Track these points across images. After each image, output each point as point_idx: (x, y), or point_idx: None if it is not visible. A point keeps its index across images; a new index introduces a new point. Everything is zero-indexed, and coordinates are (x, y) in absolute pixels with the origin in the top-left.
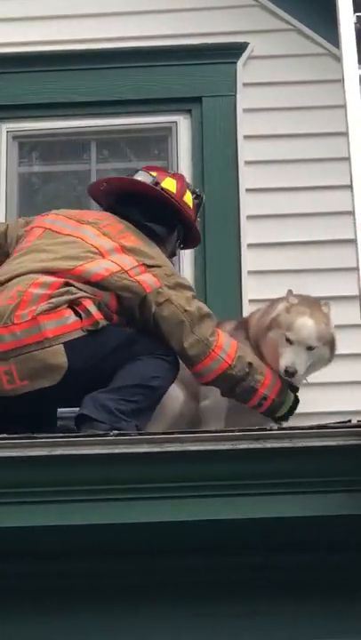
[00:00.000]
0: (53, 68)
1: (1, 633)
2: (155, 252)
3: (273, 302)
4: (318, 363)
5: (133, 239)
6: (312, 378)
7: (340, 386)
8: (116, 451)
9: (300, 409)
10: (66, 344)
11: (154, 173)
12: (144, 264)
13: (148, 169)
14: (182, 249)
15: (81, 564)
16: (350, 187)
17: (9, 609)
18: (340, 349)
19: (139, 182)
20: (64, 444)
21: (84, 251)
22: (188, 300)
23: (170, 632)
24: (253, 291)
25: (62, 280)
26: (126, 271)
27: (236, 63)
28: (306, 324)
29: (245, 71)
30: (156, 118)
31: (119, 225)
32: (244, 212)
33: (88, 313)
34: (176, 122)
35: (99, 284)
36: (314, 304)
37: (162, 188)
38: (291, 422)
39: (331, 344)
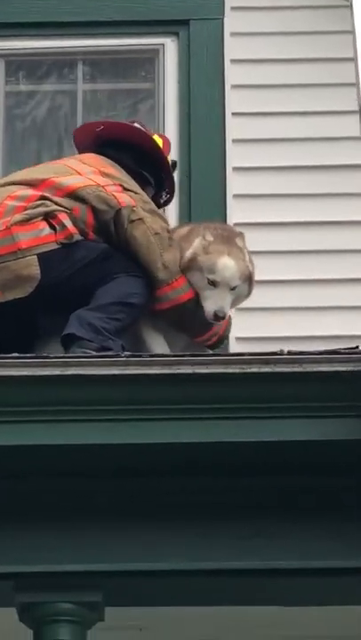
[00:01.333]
0: None
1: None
2: (134, 184)
3: (191, 230)
4: (238, 300)
5: (114, 170)
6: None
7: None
8: (128, 372)
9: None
10: (39, 256)
11: (142, 127)
12: (121, 185)
13: (137, 122)
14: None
15: (92, 482)
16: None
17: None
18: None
19: (139, 130)
20: (76, 364)
21: (57, 170)
22: (161, 228)
23: (175, 550)
24: (238, 215)
25: (38, 193)
26: (102, 186)
27: None
28: (227, 265)
29: None
30: (144, 40)
31: (103, 161)
32: (229, 136)
33: (63, 226)
34: (163, 44)
35: (74, 195)
36: (229, 239)
37: (142, 132)
38: (300, 347)
39: (249, 279)
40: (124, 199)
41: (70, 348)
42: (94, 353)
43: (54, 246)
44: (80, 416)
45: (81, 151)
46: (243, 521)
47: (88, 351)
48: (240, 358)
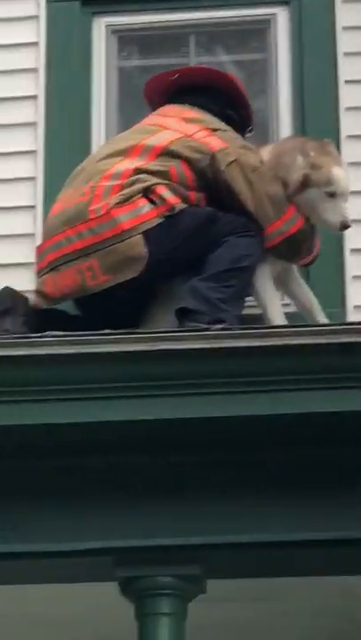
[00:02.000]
0: None
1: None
2: (220, 122)
3: (279, 153)
4: None
5: (196, 113)
6: None
7: None
8: (217, 345)
9: None
10: (144, 234)
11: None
12: (208, 128)
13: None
14: None
15: (187, 456)
16: None
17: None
18: None
19: (215, 71)
20: (167, 338)
21: (142, 131)
22: (256, 161)
23: (275, 521)
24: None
25: (132, 167)
26: (190, 135)
27: None
28: (341, 174)
29: None
30: (255, 11)
31: (183, 107)
32: (343, 104)
33: (162, 199)
34: (275, 14)
35: (165, 153)
36: (325, 149)
37: (220, 71)
38: None
39: None
40: (215, 143)
41: (183, 322)
42: (205, 327)
43: (157, 221)
44: (172, 390)
45: (154, 104)
46: (344, 489)
47: (200, 325)
48: (334, 329)
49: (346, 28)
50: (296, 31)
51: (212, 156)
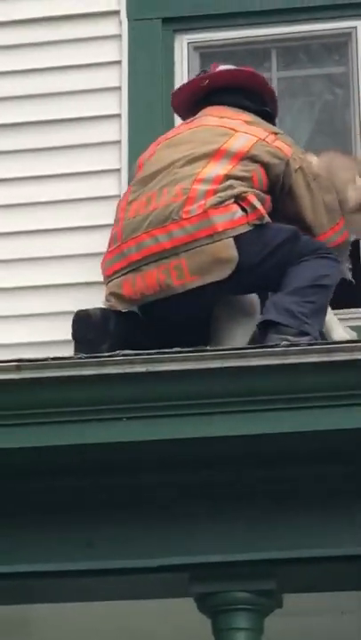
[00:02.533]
0: None
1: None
2: (273, 125)
3: (329, 166)
4: None
5: (249, 116)
6: None
7: None
8: (287, 361)
9: None
10: (235, 238)
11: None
12: (273, 132)
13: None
14: None
15: (255, 472)
16: None
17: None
18: None
19: (255, 74)
20: (236, 356)
21: (215, 134)
22: (315, 169)
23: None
24: None
25: (222, 174)
26: (263, 139)
27: None
28: None
29: None
30: (336, 24)
31: (234, 110)
32: None
33: (253, 207)
34: (355, 27)
35: (247, 158)
36: None
37: (246, 69)
38: None
39: None
40: (286, 148)
41: (268, 334)
42: (292, 339)
43: (247, 228)
44: (244, 407)
45: (184, 111)
46: None
47: (287, 337)
48: None
49: None
50: None
51: (287, 163)
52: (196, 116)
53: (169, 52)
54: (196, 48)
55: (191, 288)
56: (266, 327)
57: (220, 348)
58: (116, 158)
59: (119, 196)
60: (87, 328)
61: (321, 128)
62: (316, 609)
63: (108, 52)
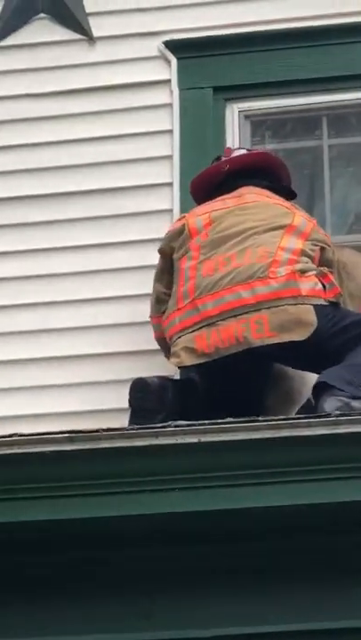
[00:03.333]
0: (282, 46)
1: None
2: None
3: (353, 264)
4: None
5: (284, 200)
6: None
7: None
8: (339, 431)
9: None
10: (314, 307)
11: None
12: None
13: (232, 149)
14: None
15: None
16: None
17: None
18: None
19: (269, 154)
20: (287, 426)
21: (278, 211)
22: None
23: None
24: None
25: (300, 248)
26: (315, 224)
27: None
28: None
29: None
30: None
31: (262, 189)
32: None
33: (332, 285)
34: None
35: (310, 239)
36: None
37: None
38: None
39: None
40: (328, 237)
41: (322, 397)
42: (346, 399)
43: (324, 302)
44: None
45: (199, 198)
46: None
47: (342, 398)
48: None
49: None
50: None
51: (333, 251)
52: (234, 194)
53: (220, 120)
54: (247, 117)
55: (268, 344)
56: (320, 390)
57: (272, 418)
58: (169, 227)
59: None
60: (144, 397)
61: None
62: None
63: (159, 120)
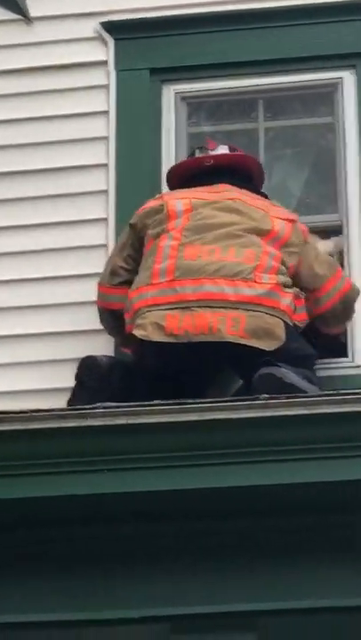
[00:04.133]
0: (219, 28)
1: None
2: None
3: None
4: None
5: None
6: None
7: None
8: (268, 414)
9: None
10: (285, 324)
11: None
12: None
13: (216, 143)
14: None
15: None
16: None
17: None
18: None
19: (254, 160)
20: (214, 408)
21: (258, 214)
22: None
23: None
24: None
25: (280, 255)
26: (295, 221)
27: None
28: None
29: None
30: (322, 75)
31: (242, 190)
32: None
33: (302, 310)
34: (342, 78)
35: (287, 244)
36: None
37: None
38: None
39: None
40: (306, 231)
41: (262, 369)
42: (285, 371)
43: (291, 323)
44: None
45: (174, 184)
46: None
47: (281, 370)
48: None
49: None
50: None
51: (304, 242)
52: (214, 188)
53: (156, 102)
54: (183, 98)
55: (236, 343)
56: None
57: (200, 400)
58: (103, 208)
59: (105, 245)
60: (92, 375)
61: (308, 177)
62: None
63: (95, 101)
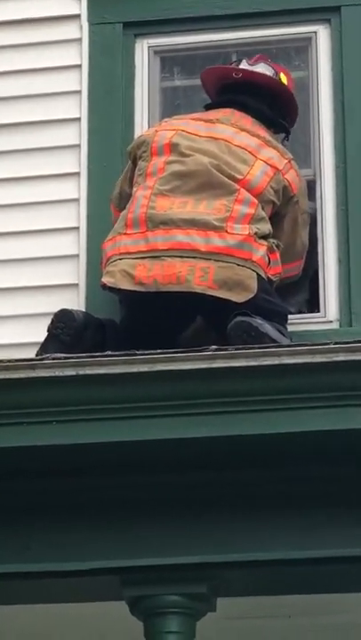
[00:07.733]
0: None
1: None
2: (283, 147)
3: None
4: None
5: (267, 133)
6: None
7: None
8: (214, 365)
9: None
10: (257, 276)
11: (270, 67)
12: (289, 159)
13: (263, 60)
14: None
15: (188, 476)
16: None
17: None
18: None
19: (276, 81)
20: (164, 360)
21: (238, 157)
22: (307, 203)
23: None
24: None
25: (256, 203)
26: (280, 170)
27: None
28: None
29: None
30: (296, 29)
31: (248, 118)
32: None
33: (276, 263)
34: (316, 32)
35: (261, 196)
36: None
37: (280, 82)
38: None
39: None
40: (296, 182)
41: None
42: (260, 321)
43: (264, 276)
44: (173, 410)
45: (208, 89)
46: (344, 509)
47: (255, 319)
48: (327, 347)
49: None
50: (337, 48)
51: (291, 199)
52: (217, 115)
53: (129, 56)
54: (156, 52)
55: (206, 294)
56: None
57: (150, 352)
58: (76, 161)
59: (78, 199)
60: (66, 329)
61: None
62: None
63: (68, 55)
